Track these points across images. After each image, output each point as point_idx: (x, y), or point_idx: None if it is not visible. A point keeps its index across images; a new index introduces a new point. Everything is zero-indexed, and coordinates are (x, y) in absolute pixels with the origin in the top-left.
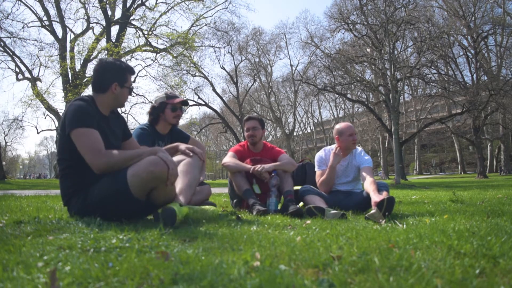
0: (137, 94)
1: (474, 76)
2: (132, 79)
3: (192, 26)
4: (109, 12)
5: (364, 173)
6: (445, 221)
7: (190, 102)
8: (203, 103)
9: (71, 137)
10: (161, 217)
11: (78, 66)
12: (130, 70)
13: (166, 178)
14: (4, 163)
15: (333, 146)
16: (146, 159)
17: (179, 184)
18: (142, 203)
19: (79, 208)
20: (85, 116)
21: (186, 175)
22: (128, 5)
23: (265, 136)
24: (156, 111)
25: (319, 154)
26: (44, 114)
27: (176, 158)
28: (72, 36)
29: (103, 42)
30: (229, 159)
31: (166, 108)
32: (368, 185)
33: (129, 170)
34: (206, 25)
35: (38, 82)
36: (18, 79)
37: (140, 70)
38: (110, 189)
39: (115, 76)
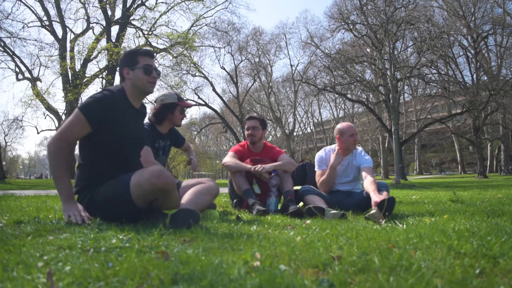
0: None
1: (474, 76)
2: (148, 60)
3: (192, 26)
4: (109, 12)
5: (364, 173)
6: (445, 221)
7: (192, 103)
8: (203, 103)
9: None
10: (176, 217)
11: (78, 66)
12: (141, 52)
13: (169, 190)
14: (4, 163)
15: (334, 146)
16: (149, 169)
17: (184, 199)
18: (144, 210)
19: (85, 206)
20: (92, 106)
21: (195, 195)
22: (128, 5)
23: (265, 136)
24: (165, 111)
25: (319, 154)
26: (44, 114)
27: (194, 181)
28: (72, 36)
29: (103, 42)
30: (229, 159)
31: (176, 110)
32: (368, 185)
33: (133, 179)
34: (206, 25)
35: (38, 82)
36: (18, 79)
37: None
38: (113, 194)
39: (124, 62)
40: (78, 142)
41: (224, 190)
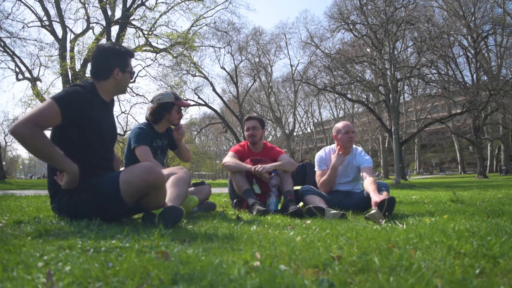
0: (137, 94)
1: (474, 76)
2: (132, 63)
3: (192, 26)
4: (109, 12)
5: (364, 173)
6: (445, 221)
7: (190, 102)
8: (203, 103)
9: None
10: (163, 216)
11: (78, 66)
12: (130, 54)
13: (160, 186)
14: (4, 163)
15: (334, 146)
16: (140, 166)
17: (168, 194)
18: (130, 207)
19: (64, 205)
20: (66, 98)
21: (175, 187)
22: (128, 5)
23: (265, 136)
24: (162, 111)
25: (319, 154)
26: None
27: (167, 171)
28: (72, 36)
29: (103, 42)
30: (229, 159)
31: (173, 109)
32: (368, 185)
33: (122, 176)
34: (206, 25)
35: (38, 82)
36: (18, 79)
37: (140, 70)
38: (100, 192)
39: (116, 61)
40: (52, 138)
41: (224, 190)
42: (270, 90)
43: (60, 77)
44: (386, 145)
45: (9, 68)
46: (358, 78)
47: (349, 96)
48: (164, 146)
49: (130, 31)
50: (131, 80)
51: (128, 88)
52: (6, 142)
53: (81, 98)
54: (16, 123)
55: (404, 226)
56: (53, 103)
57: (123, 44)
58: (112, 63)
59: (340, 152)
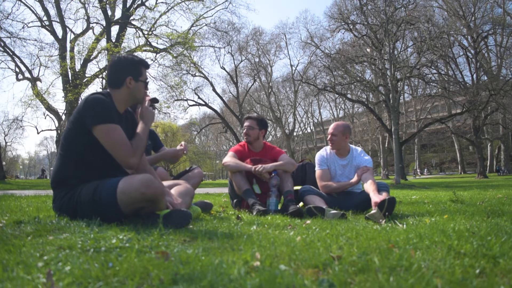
0: None
1: (474, 76)
2: (147, 73)
3: (192, 26)
4: (109, 12)
5: (364, 173)
6: (445, 221)
7: (190, 102)
8: (203, 103)
9: (94, 132)
10: (170, 218)
11: (78, 66)
12: (144, 64)
13: (157, 200)
14: (4, 163)
15: None
16: (139, 178)
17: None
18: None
19: (63, 204)
20: (109, 111)
21: (181, 195)
22: (128, 5)
23: (265, 136)
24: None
25: (320, 153)
26: (44, 114)
27: (170, 183)
28: (72, 36)
29: (103, 42)
30: (229, 158)
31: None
32: (368, 185)
33: (121, 185)
34: (206, 25)
35: (38, 82)
36: (18, 79)
37: None
38: (98, 197)
39: (129, 70)
40: (64, 138)
41: (224, 190)
42: (270, 90)
43: (60, 77)
44: (386, 145)
45: (9, 68)
46: (358, 78)
47: (349, 96)
48: (148, 147)
49: (130, 31)
50: (147, 91)
51: None
52: (6, 142)
53: (109, 105)
54: (125, 159)
55: (404, 226)
56: (108, 125)
57: (123, 44)
58: (125, 71)
59: (364, 169)
